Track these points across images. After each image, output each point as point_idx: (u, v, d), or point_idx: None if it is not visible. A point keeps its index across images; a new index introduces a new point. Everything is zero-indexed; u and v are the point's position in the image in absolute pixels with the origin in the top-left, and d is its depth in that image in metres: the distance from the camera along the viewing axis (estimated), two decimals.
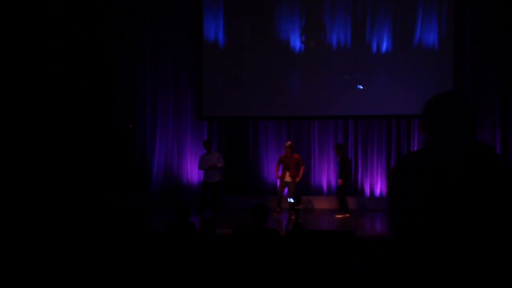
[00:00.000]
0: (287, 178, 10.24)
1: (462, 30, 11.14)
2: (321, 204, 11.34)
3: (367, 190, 11.57)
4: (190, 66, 12.01)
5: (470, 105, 2.30)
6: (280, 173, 10.30)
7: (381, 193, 11.54)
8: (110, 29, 12.03)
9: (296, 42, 11.67)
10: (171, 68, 12.03)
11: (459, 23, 11.11)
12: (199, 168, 10.77)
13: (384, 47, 11.46)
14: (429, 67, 11.22)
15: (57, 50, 11.65)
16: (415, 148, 11.45)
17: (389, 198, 2.35)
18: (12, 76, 11.11)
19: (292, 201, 8.03)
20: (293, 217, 7.86)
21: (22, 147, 11.11)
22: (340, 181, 10.25)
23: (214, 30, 11.90)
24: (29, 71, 11.26)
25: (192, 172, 12.00)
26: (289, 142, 10.47)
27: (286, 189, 10.36)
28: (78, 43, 11.84)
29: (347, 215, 10.18)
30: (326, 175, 11.78)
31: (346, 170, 10.27)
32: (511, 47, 10.95)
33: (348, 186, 10.66)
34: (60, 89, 11.69)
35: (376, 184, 11.60)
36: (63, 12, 11.72)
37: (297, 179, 10.26)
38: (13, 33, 11.09)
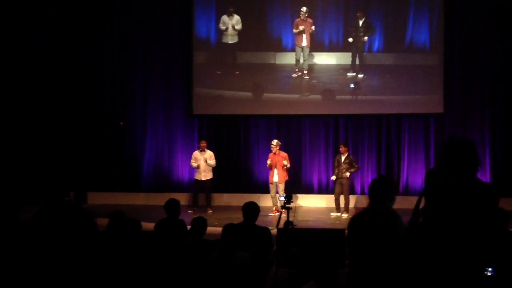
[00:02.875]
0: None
1: (452, 30, 11.21)
2: (312, 202, 11.36)
3: (358, 189, 11.61)
4: (181, 63, 11.97)
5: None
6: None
7: None
8: (100, 26, 11.95)
9: (288, 40, 11.65)
10: (161, 66, 11.98)
11: (449, 22, 11.17)
12: (191, 165, 10.78)
13: (375, 46, 11.50)
14: (419, 66, 11.28)
15: (46, 47, 11.55)
16: (405, 147, 11.52)
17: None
18: (2, 75, 11.02)
19: (283, 199, 8.03)
20: (284, 215, 7.86)
21: (10, 144, 11.03)
22: (333, 177, 10.25)
23: (206, 28, 11.88)
24: (19, 70, 11.17)
25: (183, 170, 11.97)
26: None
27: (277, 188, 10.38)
28: (68, 41, 11.76)
29: (339, 214, 10.21)
30: (317, 174, 11.80)
31: (354, 167, 10.25)
32: (501, 46, 11.04)
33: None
34: (50, 86, 11.61)
35: (367, 183, 11.62)
36: (53, 9, 11.63)
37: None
38: (3, 32, 11.00)
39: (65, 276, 1.52)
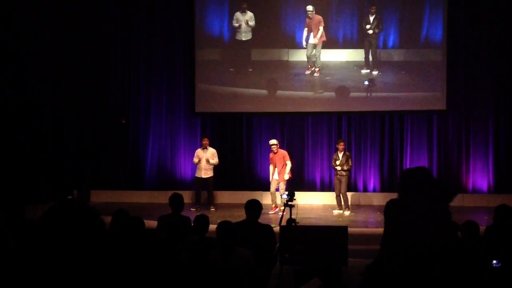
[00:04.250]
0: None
1: (456, 26, 11.15)
2: (315, 199, 11.34)
3: (360, 186, 11.60)
4: (183, 60, 11.95)
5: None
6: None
7: (374, 189, 11.57)
8: (103, 23, 11.94)
9: (302, 37, 11.44)
10: (164, 63, 11.96)
11: (453, 19, 11.11)
12: (193, 162, 10.80)
13: (388, 42, 11.35)
14: (423, 63, 11.22)
15: (49, 45, 11.55)
16: (408, 144, 11.48)
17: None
18: (8, 74, 11.04)
19: (286, 197, 8.02)
20: (285, 213, 7.85)
21: (13, 143, 11.05)
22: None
23: (218, 25, 11.79)
24: (21, 67, 11.16)
25: (186, 168, 11.97)
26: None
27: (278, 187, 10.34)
28: (70, 37, 11.75)
29: (341, 211, 10.19)
30: (320, 171, 11.79)
31: (349, 164, 10.19)
32: (505, 43, 11.00)
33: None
34: (52, 84, 11.62)
35: (369, 180, 11.62)
36: (57, 7, 11.62)
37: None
38: (6, 30, 11.01)
39: (73, 273, 1.53)
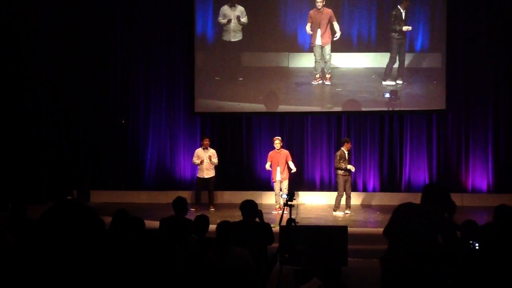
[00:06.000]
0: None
1: (455, 29, 11.13)
2: (314, 199, 11.33)
3: (360, 186, 11.59)
4: (182, 60, 11.93)
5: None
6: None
7: (373, 189, 11.57)
8: (103, 24, 11.94)
9: (305, 38, 10.85)
10: (164, 62, 11.95)
11: (452, 22, 11.09)
12: (193, 162, 10.76)
13: (416, 44, 11.14)
14: (421, 65, 11.19)
15: (51, 45, 11.55)
16: (408, 143, 11.46)
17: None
18: (8, 74, 11.03)
19: (285, 197, 8.02)
20: (286, 213, 7.85)
21: (14, 143, 11.04)
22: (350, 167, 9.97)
23: (201, 22, 11.62)
24: (21, 67, 11.16)
25: (185, 168, 11.97)
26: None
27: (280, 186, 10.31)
28: (70, 40, 11.75)
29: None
30: (319, 171, 11.78)
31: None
32: (504, 42, 11.00)
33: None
34: (52, 85, 11.61)
35: (369, 180, 11.62)
36: (57, 8, 11.61)
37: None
38: (6, 30, 11.01)
39: (73, 273, 1.53)
